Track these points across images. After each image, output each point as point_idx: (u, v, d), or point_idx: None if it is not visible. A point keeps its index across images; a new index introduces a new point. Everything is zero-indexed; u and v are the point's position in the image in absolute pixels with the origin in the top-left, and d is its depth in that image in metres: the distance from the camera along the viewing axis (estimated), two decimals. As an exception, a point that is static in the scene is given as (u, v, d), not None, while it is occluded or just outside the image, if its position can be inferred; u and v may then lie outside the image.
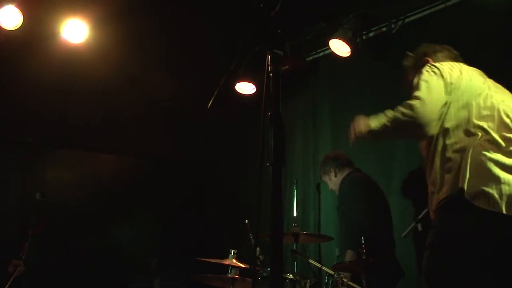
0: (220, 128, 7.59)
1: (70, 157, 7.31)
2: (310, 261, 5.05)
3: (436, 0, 5.55)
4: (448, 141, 3.12)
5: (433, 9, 5.63)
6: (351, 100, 6.34)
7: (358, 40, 5.87)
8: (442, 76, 3.27)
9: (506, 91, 3.32)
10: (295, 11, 4.97)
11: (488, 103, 3.16)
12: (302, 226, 6.09)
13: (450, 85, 3.22)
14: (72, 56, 6.17)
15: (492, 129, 3.05)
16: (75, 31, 5.86)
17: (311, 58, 6.74)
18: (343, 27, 5.70)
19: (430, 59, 3.74)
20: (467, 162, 2.97)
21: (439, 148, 3.16)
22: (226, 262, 5.21)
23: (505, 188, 2.85)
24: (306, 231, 5.77)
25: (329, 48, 5.92)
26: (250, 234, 5.44)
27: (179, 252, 7.21)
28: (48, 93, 6.66)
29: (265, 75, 2.07)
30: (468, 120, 3.11)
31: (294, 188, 5.92)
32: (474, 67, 3.44)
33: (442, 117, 3.17)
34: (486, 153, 2.96)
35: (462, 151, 3.04)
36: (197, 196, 7.83)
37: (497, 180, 2.87)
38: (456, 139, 3.10)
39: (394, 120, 3.23)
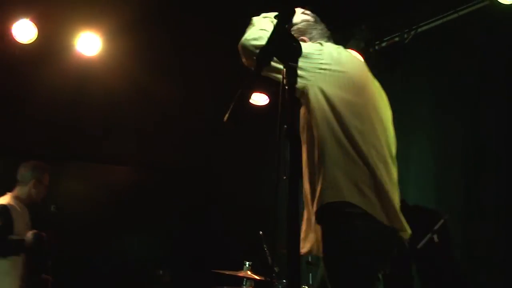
0: (232, 139, 7.60)
1: (84, 169, 7.34)
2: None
3: (449, 10, 5.53)
4: None
5: (445, 19, 5.61)
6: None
7: (370, 50, 5.87)
8: None
9: None
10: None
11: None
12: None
13: None
14: (85, 69, 6.21)
15: None
16: (88, 44, 5.91)
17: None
18: (355, 37, 5.69)
19: None
20: None
21: None
22: (241, 274, 5.21)
23: None
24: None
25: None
26: (265, 246, 5.44)
27: (192, 264, 7.20)
28: (61, 105, 6.70)
29: (281, 88, 2.07)
30: None
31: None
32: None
33: None
34: None
35: None
36: (210, 208, 7.83)
37: None
38: None
39: None
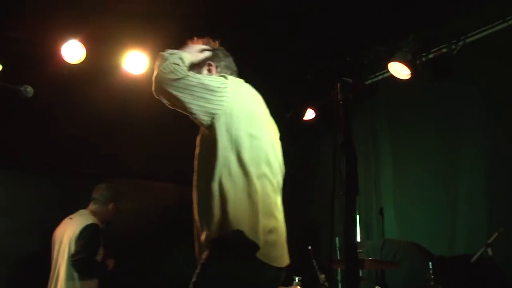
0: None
1: (131, 187, 7.40)
2: (376, 287, 4.98)
3: (498, 19, 5.45)
4: None
5: (494, 29, 5.53)
6: (411, 123, 6.26)
7: (417, 62, 5.80)
8: None
9: None
10: (352, 35, 4.96)
11: None
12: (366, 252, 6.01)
13: None
14: (132, 88, 6.28)
15: None
16: (135, 62, 5.99)
17: (369, 81, 6.69)
18: (402, 49, 5.64)
19: None
20: None
21: None
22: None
23: None
24: (372, 257, 5.68)
25: (388, 71, 5.88)
26: (314, 261, 5.40)
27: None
28: (109, 124, 6.79)
29: (335, 103, 2.06)
30: None
31: (357, 213, 5.86)
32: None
33: None
34: None
35: None
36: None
37: None
38: None
39: None
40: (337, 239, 5.75)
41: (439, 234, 5.74)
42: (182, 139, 7.16)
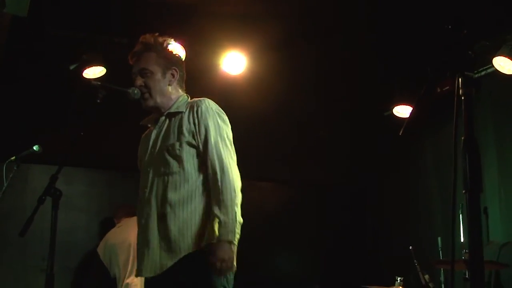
0: (376, 153, 7.51)
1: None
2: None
3: None
4: None
5: None
6: (517, 121, 6.04)
7: (524, 56, 5.58)
8: None
9: None
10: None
11: None
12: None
13: None
14: (231, 88, 6.35)
15: None
16: (234, 63, 6.05)
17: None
18: (507, 43, 5.44)
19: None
20: None
21: None
22: (393, 288, 5.11)
23: None
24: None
25: (492, 66, 5.68)
26: (415, 261, 5.30)
27: (341, 279, 7.15)
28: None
29: (455, 99, 2.00)
30: None
31: (460, 212, 5.70)
32: None
33: None
34: None
35: None
36: (357, 224, 7.74)
37: None
38: None
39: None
40: (439, 239, 5.63)
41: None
42: (280, 139, 7.25)
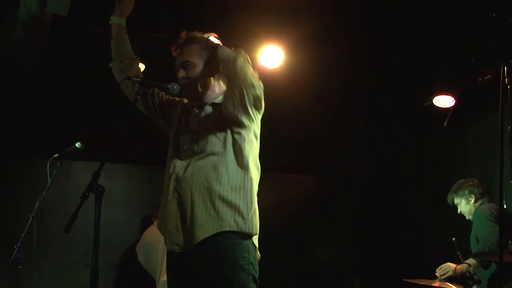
0: (415, 144, 7.44)
1: (271, 180, 7.47)
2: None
3: None
4: None
5: None
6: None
7: None
8: None
9: None
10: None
11: None
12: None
13: None
14: (268, 81, 6.32)
15: None
16: (271, 57, 6.04)
17: (513, 64, 6.34)
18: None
19: None
20: None
21: None
22: (436, 284, 5.04)
23: None
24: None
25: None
26: (459, 253, 5.23)
27: (382, 272, 7.10)
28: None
29: (501, 88, 1.96)
30: None
31: (504, 203, 5.60)
32: None
33: None
34: None
35: None
36: (399, 215, 7.66)
37: None
38: None
39: None
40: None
41: None
42: (318, 131, 7.22)
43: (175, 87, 3.38)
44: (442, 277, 5.02)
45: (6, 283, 4.59)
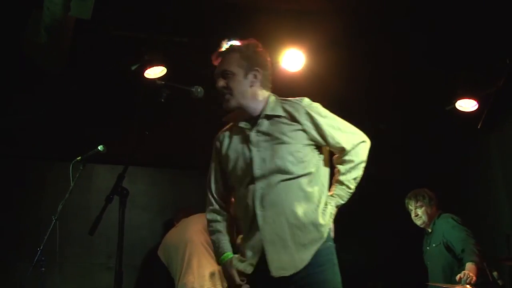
0: (438, 148, 7.39)
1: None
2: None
3: None
4: None
5: None
6: None
7: None
8: None
9: None
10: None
11: None
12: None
13: None
14: (289, 85, 6.33)
15: None
16: (292, 60, 6.04)
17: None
18: None
19: None
20: None
21: None
22: (459, 287, 5.01)
23: None
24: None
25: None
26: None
27: (404, 276, 7.04)
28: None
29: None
30: None
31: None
32: None
33: None
34: None
35: None
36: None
37: None
38: None
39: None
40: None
41: None
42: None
43: (199, 90, 3.40)
44: (466, 282, 4.99)
45: (30, 285, 4.63)
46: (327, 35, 5.76)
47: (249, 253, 3.19)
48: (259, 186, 3.20)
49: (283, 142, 3.25)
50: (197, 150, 6.81)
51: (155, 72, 5.72)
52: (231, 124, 3.52)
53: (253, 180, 3.23)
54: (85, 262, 6.70)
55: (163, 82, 3.36)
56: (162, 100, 3.27)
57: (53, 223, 4.64)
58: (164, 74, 5.76)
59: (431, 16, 5.46)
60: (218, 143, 3.51)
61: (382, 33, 5.84)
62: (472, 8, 5.15)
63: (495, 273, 4.91)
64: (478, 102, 6.18)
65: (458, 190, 7.14)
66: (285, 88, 6.35)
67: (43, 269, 4.53)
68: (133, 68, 5.63)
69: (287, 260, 3.10)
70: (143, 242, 6.88)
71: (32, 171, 6.77)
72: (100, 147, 4.92)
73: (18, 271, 6.05)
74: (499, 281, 4.89)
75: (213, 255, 5.51)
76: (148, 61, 5.60)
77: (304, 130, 3.29)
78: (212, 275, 5.84)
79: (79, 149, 4.99)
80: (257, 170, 3.23)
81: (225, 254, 3.31)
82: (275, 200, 3.16)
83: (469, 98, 6.24)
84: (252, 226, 3.20)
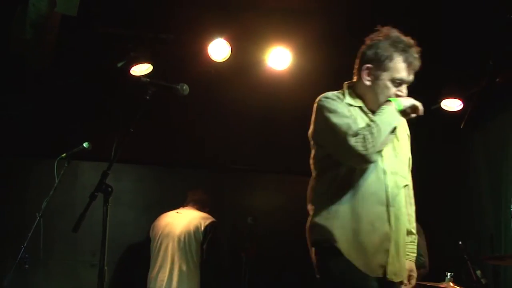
0: (422, 147, 7.39)
1: (277, 182, 7.48)
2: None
3: None
4: None
5: None
6: None
7: None
8: None
9: None
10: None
11: None
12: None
13: None
14: (276, 83, 6.34)
15: None
16: (279, 58, 6.04)
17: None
18: None
19: None
20: None
21: None
22: (443, 285, 5.02)
23: None
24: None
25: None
26: (465, 256, 5.22)
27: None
28: (254, 120, 6.92)
29: None
30: None
31: (511, 208, 5.57)
32: None
33: None
34: None
35: None
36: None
37: None
38: None
39: None
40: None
41: None
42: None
43: (184, 87, 3.38)
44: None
45: (13, 282, 4.60)
46: (314, 33, 5.76)
47: None
48: None
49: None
50: (182, 147, 6.83)
51: (141, 69, 5.70)
52: None
53: None
54: (69, 260, 6.65)
55: (148, 80, 3.34)
56: (148, 97, 3.26)
57: (37, 220, 4.61)
58: (151, 71, 5.75)
59: (416, 16, 5.46)
60: None
61: (369, 31, 5.84)
62: (457, 9, 5.16)
63: (478, 272, 4.93)
64: (463, 102, 6.19)
65: (442, 189, 7.16)
66: (272, 87, 6.41)
67: (27, 266, 4.50)
68: (119, 65, 5.61)
69: None
70: (128, 239, 6.84)
71: (16, 168, 6.71)
72: (85, 144, 4.89)
73: (1, 269, 6.00)
74: (482, 280, 4.91)
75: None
76: (134, 58, 5.58)
77: None
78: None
79: (64, 146, 4.96)
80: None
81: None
82: None
83: (454, 97, 6.25)
84: None
